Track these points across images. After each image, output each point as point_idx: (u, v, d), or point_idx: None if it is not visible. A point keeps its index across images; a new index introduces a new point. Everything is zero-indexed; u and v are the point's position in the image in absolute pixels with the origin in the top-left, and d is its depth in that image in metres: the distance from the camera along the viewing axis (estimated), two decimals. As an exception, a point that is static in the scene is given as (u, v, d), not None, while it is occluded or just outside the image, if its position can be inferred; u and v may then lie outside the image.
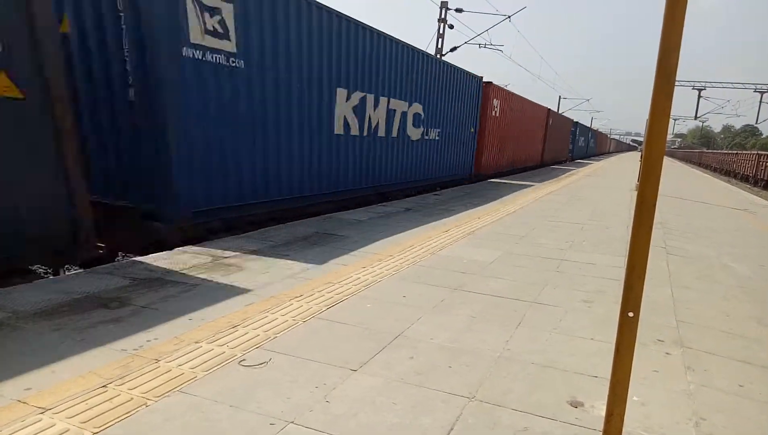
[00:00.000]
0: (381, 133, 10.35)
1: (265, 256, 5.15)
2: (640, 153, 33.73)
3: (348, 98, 9.00)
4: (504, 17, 22.82)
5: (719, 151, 56.35)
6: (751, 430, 2.48)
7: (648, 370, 3.02)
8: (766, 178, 26.38)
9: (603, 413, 2.03)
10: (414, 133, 11.88)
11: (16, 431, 2.11)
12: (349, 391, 2.58)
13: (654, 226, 1.85)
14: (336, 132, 8.81)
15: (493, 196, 11.73)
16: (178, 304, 3.66)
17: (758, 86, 47.43)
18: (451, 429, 2.30)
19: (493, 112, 16.77)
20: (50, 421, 2.19)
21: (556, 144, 30.75)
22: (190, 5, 5.66)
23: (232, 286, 4.12)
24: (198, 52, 5.85)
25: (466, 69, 14.28)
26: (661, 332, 3.64)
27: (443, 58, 21.07)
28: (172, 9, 5.47)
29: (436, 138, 13.15)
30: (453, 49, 22.93)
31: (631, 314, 1.87)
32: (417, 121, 11.89)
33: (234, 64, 6.37)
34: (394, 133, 10.91)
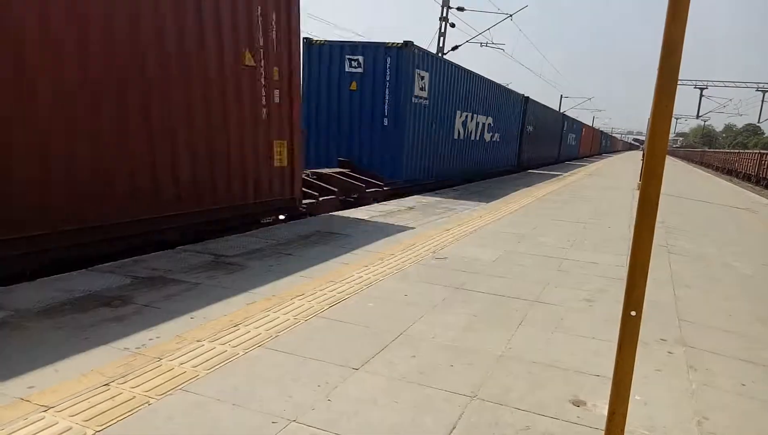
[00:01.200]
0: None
1: (266, 254, 5.15)
2: (642, 152, 35.31)
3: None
4: (505, 16, 22.82)
5: (721, 150, 56.27)
6: (753, 429, 2.48)
7: (650, 369, 3.01)
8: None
9: (605, 412, 2.03)
10: (569, 142, 35.03)
11: (19, 429, 2.11)
12: (351, 389, 2.58)
13: (656, 225, 1.84)
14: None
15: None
16: (179, 302, 3.66)
17: (760, 85, 47.32)
18: (453, 428, 2.31)
19: (583, 134, 43.54)
20: (53, 419, 2.19)
21: (595, 145, 61.13)
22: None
23: (233, 284, 4.12)
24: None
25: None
26: (663, 331, 3.63)
27: (444, 55, 21.05)
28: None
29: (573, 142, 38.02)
30: (455, 48, 22.91)
31: (633, 313, 1.87)
32: (569, 141, 36.00)
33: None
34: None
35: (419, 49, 11.96)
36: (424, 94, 12.63)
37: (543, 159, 29.46)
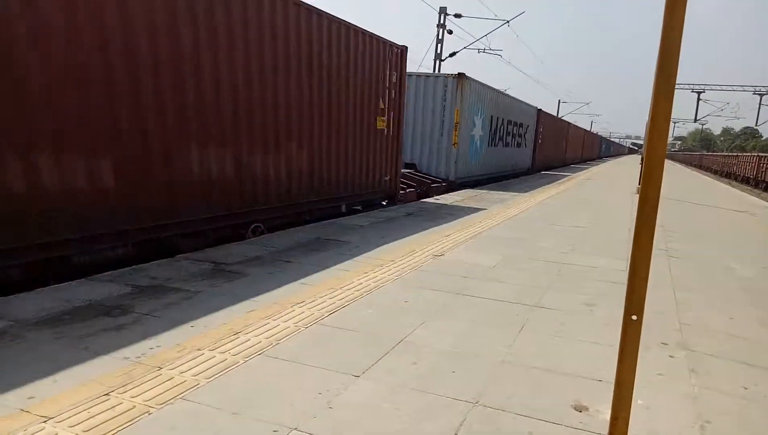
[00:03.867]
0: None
1: (266, 262, 5.15)
2: (640, 156, 35.30)
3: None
4: (503, 22, 22.92)
5: (719, 153, 56.56)
6: (756, 433, 2.47)
7: (652, 373, 3.00)
8: (766, 180, 26.34)
9: (608, 417, 2.02)
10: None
11: (19, 440, 2.10)
12: (353, 397, 2.57)
13: (655, 229, 1.84)
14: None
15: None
16: (179, 311, 3.65)
17: (758, 88, 47.51)
18: None
19: (614, 145, 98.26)
20: (53, 429, 2.18)
21: (616, 150, 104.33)
22: None
23: (234, 292, 4.11)
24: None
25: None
26: (664, 335, 3.63)
27: (442, 62, 21.14)
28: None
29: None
30: (452, 55, 23.01)
31: (634, 317, 1.87)
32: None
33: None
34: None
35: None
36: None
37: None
